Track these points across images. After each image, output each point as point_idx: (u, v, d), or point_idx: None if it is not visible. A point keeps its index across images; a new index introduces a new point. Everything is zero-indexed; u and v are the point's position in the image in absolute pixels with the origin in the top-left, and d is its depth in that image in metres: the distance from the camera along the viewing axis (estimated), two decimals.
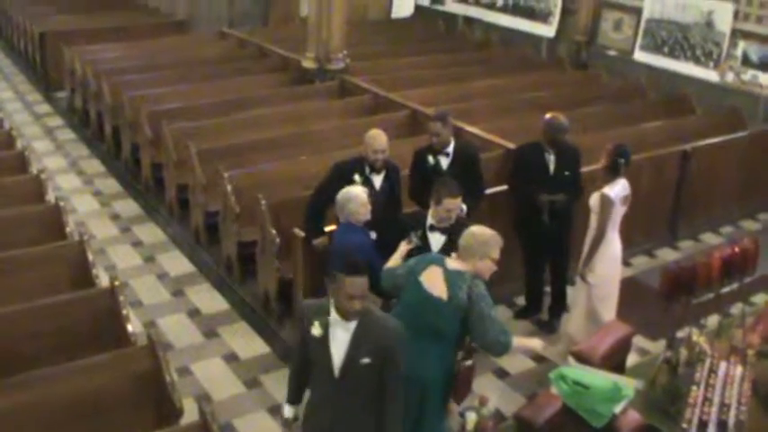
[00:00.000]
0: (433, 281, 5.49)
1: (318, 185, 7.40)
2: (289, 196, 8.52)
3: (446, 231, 6.26)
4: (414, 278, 5.57)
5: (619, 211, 7.34)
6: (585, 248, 7.43)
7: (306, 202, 7.55)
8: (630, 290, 8.90)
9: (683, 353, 6.01)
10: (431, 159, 7.70)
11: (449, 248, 6.04)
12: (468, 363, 5.68)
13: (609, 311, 7.58)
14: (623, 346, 6.91)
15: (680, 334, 6.51)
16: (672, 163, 10.21)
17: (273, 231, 8.08)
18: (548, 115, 8.02)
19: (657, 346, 7.85)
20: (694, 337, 6.17)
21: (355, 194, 6.53)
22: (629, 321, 7.21)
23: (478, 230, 5.54)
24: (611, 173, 7.27)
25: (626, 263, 9.61)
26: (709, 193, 10.69)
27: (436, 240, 6.29)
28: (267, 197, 8.34)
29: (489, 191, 8.29)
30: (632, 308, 8.30)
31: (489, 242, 5.51)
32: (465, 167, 7.65)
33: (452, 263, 5.53)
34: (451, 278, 5.45)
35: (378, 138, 7.23)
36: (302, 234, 7.42)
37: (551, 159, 7.94)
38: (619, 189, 7.25)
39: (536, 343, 5.84)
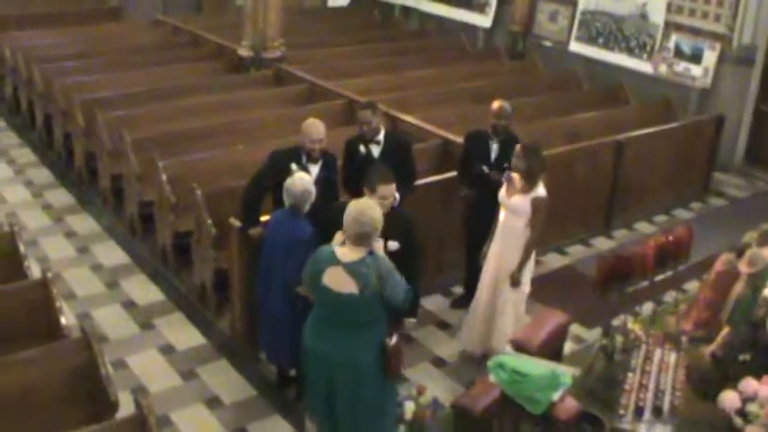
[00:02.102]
0: (337, 280, 5.44)
1: (255, 175, 7.35)
2: (225, 186, 8.46)
3: None
4: (317, 282, 5.52)
5: None
6: (521, 254, 7.22)
7: (241, 191, 7.48)
8: (566, 279, 9.29)
9: (619, 340, 6.05)
10: (362, 148, 7.73)
11: (385, 238, 5.94)
12: (393, 340, 5.62)
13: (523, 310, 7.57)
14: (560, 335, 6.97)
15: (615, 322, 6.59)
16: (606, 153, 10.34)
17: (209, 221, 8.03)
18: (495, 103, 8.05)
19: (593, 334, 7.93)
20: (629, 325, 6.25)
21: (303, 178, 6.54)
22: (566, 310, 7.26)
23: (356, 211, 5.42)
24: (534, 177, 7.13)
25: (562, 252, 9.96)
26: (642, 182, 10.85)
27: None
28: (203, 187, 8.28)
29: (424, 181, 8.32)
30: (568, 296, 8.46)
31: (380, 219, 5.45)
32: (397, 156, 7.66)
33: (346, 255, 5.46)
34: (354, 271, 5.40)
35: (315, 127, 7.20)
36: (238, 224, 7.33)
37: (494, 147, 7.99)
38: (543, 191, 7.18)
39: None
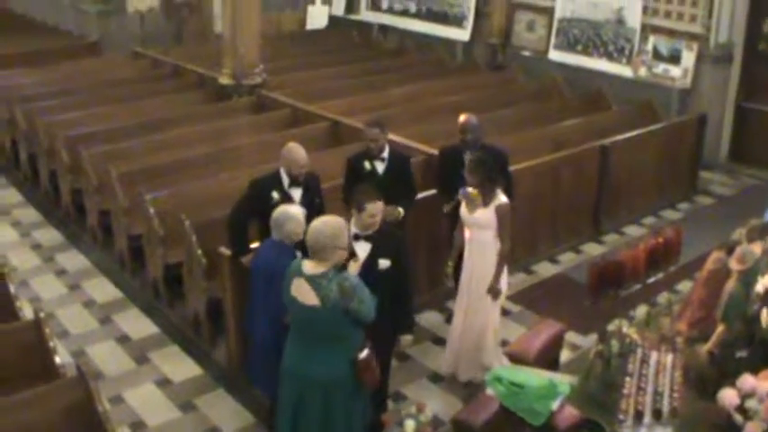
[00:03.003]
0: (302, 291, 5.48)
1: (235, 205, 7.33)
2: (212, 215, 8.40)
3: (370, 239, 6.19)
4: (288, 295, 5.57)
5: None
6: (495, 266, 7.16)
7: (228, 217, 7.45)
8: (559, 286, 9.29)
9: (615, 345, 5.98)
10: (367, 165, 7.79)
11: (375, 256, 6.08)
12: (363, 354, 5.62)
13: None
14: (556, 343, 7.00)
15: (610, 326, 6.48)
16: (591, 159, 10.38)
17: (199, 252, 8.01)
18: (461, 117, 8.10)
19: (589, 341, 7.90)
20: (624, 329, 6.22)
21: (294, 214, 6.42)
22: (560, 318, 7.30)
23: (321, 226, 5.49)
24: (488, 188, 7.08)
25: (553, 260, 9.97)
26: (629, 186, 10.92)
27: (362, 249, 6.16)
28: (191, 217, 8.25)
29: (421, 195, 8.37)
30: (562, 304, 8.51)
31: (336, 234, 5.48)
32: (399, 171, 7.82)
33: (310, 268, 5.50)
34: (315, 283, 5.43)
35: (299, 151, 7.19)
36: (228, 252, 7.31)
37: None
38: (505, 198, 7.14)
39: None
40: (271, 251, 6.43)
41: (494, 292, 7.19)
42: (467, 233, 7.27)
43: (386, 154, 7.80)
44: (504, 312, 8.24)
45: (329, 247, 5.44)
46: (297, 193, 7.22)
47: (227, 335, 7.85)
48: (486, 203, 7.08)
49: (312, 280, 5.44)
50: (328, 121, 11.35)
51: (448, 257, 7.59)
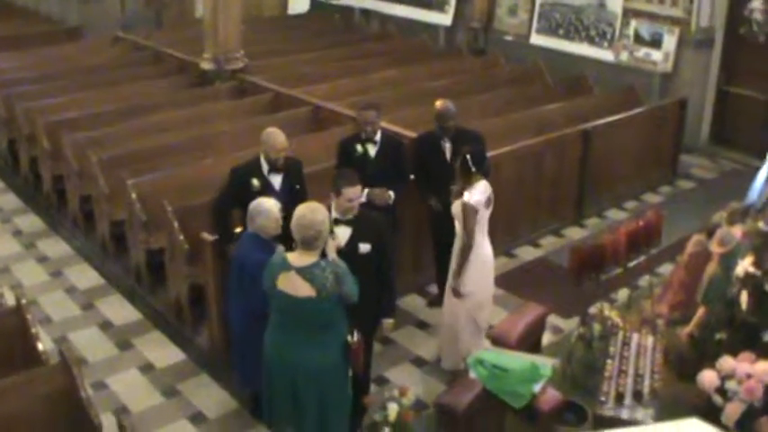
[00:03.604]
0: (293, 285, 5.45)
1: (218, 195, 7.36)
2: (195, 201, 8.37)
3: (351, 223, 6.14)
4: (274, 288, 5.54)
5: (484, 215, 7.04)
6: (454, 260, 7.11)
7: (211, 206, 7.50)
8: (541, 270, 9.34)
9: (597, 328, 6.07)
10: (359, 148, 7.79)
11: (356, 240, 6.06)
12: (356, 337, 5.68)
13: (486, 320, 7.36)
14: (538, 326, 7.01)
15: (592, 309, 6.61)
16: (573, 143, 10.37)
17: (181, 237, 7.99)
18: (437, 103, 8.07)
19: (571, 324, 7.92)
20: (606, 312, 6.25)
21: (266, 209, 6.33)
22: (542, 301, 7.30)
23: (311, 213, 5.43)
24: (465, 172, 6.95)
25: (534, 244, 10.00)
26: (611, 170, 10.92)
27: (342, 233, 6.11)
28: (173, 203, 8.21)
29: None
30: (544, 288, 8.55)
31: (325, 219, 5.47)
32: (392, 155, 7.81)
33: (298, 260, 5.47)
34: (309, 274, 5.41)
35: (277, 135, 7.17)
36: (211, 238, 7.28)
37: (447, 147, 7.97)
38: (478, 194, 6.92)
39: None
40: (244, 244, 6.41)
41: (452, 287, 7.14)
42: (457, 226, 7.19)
43: (378, 137, 7.81)
44: None
45: (323, 234, 5.42)
46: (277, 180, 7.20)
47: (209, 320, 7.84)
48: (460, 195, 7.02)
49: (305, 272, 5.41)
50: (310, 106, 11.27)
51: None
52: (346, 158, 7.81)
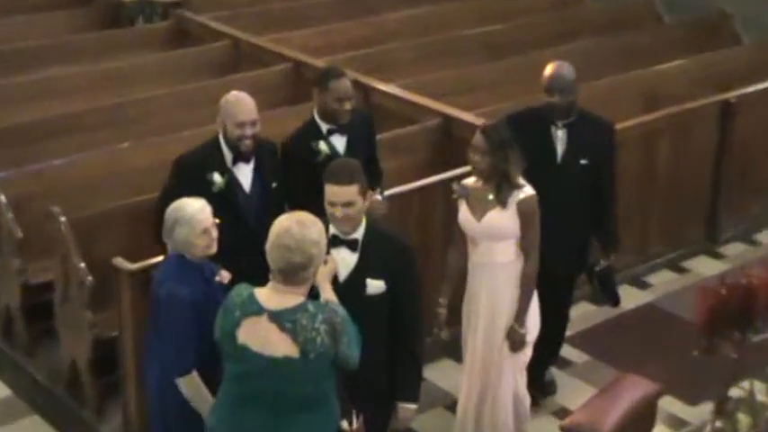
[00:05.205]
0: (263, 337, 4.37)
1: (161, 195, 6.05)
2: (104, 207, 6.94)
3: (355, 246, 4.90)
4: (231, 343, 4.43)
5: None
6: (518, 296, 5.87)
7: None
8: (649, 325, 7.99)
9: (743, 420, 5.41)
10: (323, 146, 6.31)
11: (362, 273, 4.88)
12: (355, 423, 4.66)
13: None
14: (644, 415, 5.99)
15: (734, 391, 5.79)
16: (706, 122, 8.48)
17: (82, 265, 6.51)
18: (549, 67, 6.38)
19: (700, 412, 6.65)
20: (759, 396, 5.56)
21: (190, 215, 5.12)
22: (651, 375, 6.18)
23: (283, 231, 4.34)
24: (508, 175, 5.75)
25: (638, 281, 8.46)
26: (764, 167, 9.00)
27: (344, 261, 4.85)
28: (68, 211, 6.65)
29: (419, 183, 7.13)
30: (654, 352, 7.36)
31: (322, 239, 4.44)
32: (365, 138, 6.50)
33: (273, 299, 4.36)
34: (290, 323, 4.32)
35: (242, 103, 5.86)
36: (130, 266, 5.91)
37: (560, 138, 6.33)
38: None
39: None
40: (175, 276, 5.17)
41: (516, 339, 5.85)
42: (470, 250, 5.91)
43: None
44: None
45: (315, 261, 4.41)
46: (246, 174, 6.00)
47: (124, 399, 6.34)
48: (501, 202, 5.71)
49: (284, 318, 4.34)
50: (289, 63, 9.26)
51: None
52: (301, 168, 6.23)
